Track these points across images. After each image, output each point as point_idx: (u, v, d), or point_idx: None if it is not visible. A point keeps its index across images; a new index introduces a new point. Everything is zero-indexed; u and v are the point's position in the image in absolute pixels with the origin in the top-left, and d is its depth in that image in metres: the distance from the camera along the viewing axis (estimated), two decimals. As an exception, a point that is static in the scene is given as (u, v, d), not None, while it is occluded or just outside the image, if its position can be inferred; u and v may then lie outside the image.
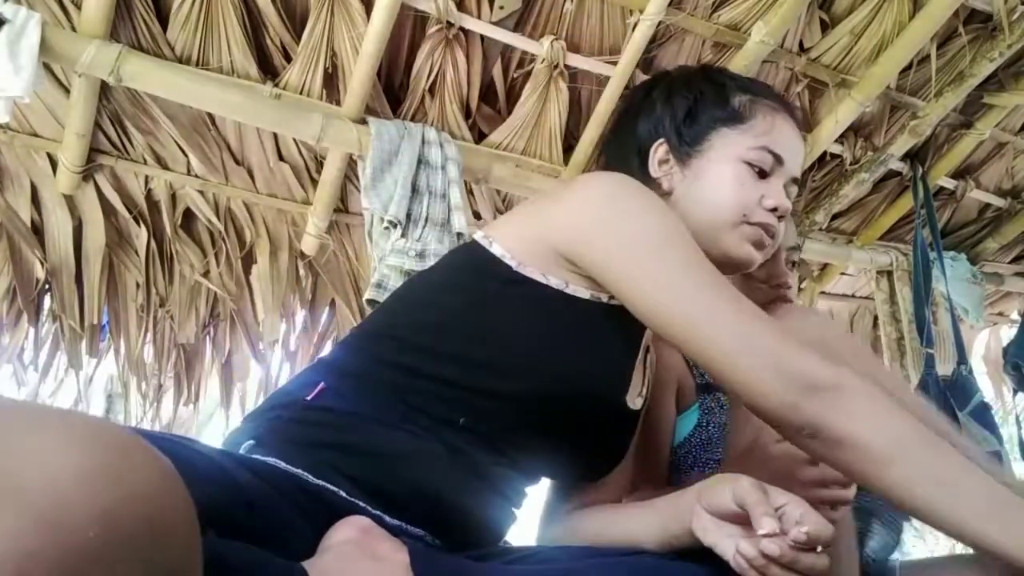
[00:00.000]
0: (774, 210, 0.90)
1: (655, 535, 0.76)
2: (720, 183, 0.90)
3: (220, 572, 0.48)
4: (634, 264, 0.77)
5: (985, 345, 3.28)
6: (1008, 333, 3.10)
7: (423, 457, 0.74)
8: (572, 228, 0.81)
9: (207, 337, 2.13)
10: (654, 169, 0.95)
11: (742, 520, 0.66)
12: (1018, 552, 0.63)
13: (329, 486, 0.70)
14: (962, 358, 2.30)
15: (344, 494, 0.70)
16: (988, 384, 3.18)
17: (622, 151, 1.00)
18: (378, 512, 0.71)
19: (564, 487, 0.97)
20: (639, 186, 0.84)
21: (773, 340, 0.73)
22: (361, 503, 0.71)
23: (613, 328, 0.82)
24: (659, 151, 0.95)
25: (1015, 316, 3.13)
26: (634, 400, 0.89)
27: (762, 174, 0.91)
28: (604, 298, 0.81)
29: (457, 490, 0.75)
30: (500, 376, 0.76)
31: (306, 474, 0.69)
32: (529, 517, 0.98)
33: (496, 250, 0.82)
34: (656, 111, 0.98)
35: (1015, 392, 2.72)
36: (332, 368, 0.83)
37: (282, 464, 0.69)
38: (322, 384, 0.79)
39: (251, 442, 0.74)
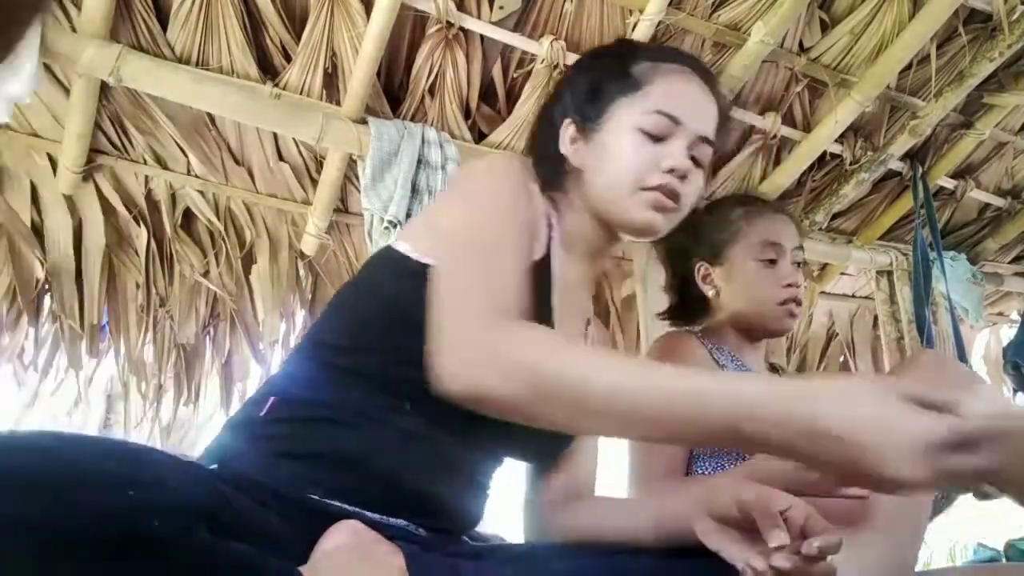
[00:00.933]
0: (672, 171, 0.90)
1: (651, 533, 0.76)
2: (616, 153, 0.91)
3: (218, 570, 0.48)
4: (442, 244, 0.80)
5: (985, 345, 3.28)
6: (1008, 333, 3.10)
7: (382, 448, 0.76)
8: (445, 210, 0.87)
9: (207, 337, 2.13)
10: (565, 148, 0.96)
11: (746, 525, 0.66)
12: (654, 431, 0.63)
13: (306, 494, 0.71)
14: (962, 358, 2.30)
15: (318, 498, 0.71)
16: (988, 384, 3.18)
17: (541, 135, 1.03)
18: (355, 509, 0.72)
19: (536, 474, 0.97)
20: (502, 168, 0.87)
21: (459, 322, 0.70)
22: (337, 503, 0.72)
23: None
24: (569, 130, 0.96)
25: (1015, 316, 3.14)
26: None
27: (659, 138, 0.90)
28: None
29: (423, 475, 0.77)
30: (420, 364, 0.76)
31: (278, 486, 0.70)
32: (512, 508, 0.99)
33: (401, 247, 0.87)
34: (566, 93, 1.00)
35: (1015, 392, 2.72)
36: (280, 381, 0.86)
37: (256, 478, 0.70)
38: (272, 398, 0.81)
39: (214, 466, 0.75)
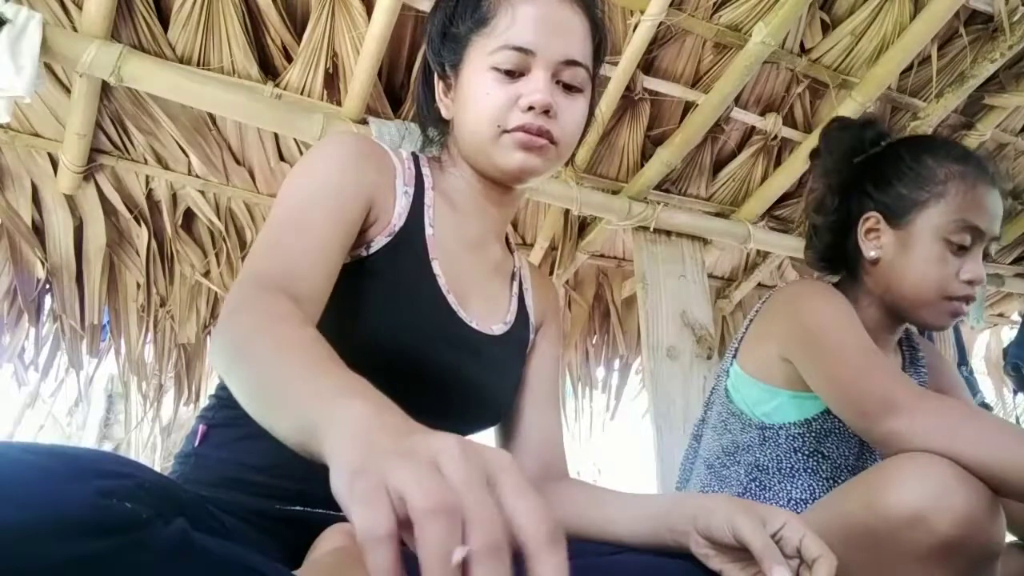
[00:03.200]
0: (531, 108, 0.81)
1: (642, 536, 0.74)
2: (473, 99, 0.84)
3: (208, 567, 0.48)
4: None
5: (986, 346, 3.28)
6: (1008, 334, 3.10)
7: None
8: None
9: (207, 337, 2.13)
10: (439, 102, 0.91)
11: (741, 549, 0.65)
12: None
13: (268, 506, 0.70)
14: (963, 359, 2.30)
15: (279, 506, 0.71)
16: (989, 385, 3.18)
17: (420, 92, 0.96)
18: (320, 511, 0.72)
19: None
20: (327, 147, 0.83)
21: (231, 293, 0.70)
22: (299, 507, 0.72)
23: (386, 275, 0.81)
24: (440, 85, 0.90)
25: (1015, 317, 3.13)
26: (487, 324, 0.88)
27: (513, 73, 0.82)
28: (364, 252, 0.81)
29: None
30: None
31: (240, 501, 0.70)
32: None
33: None
34: (426, 42, 0.92)
35: (1015, 393, 2.72)
36: (209, 410, 0.86)
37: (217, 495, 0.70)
38: (203, 427, 0.82)
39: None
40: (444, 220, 0.89)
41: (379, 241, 0.81)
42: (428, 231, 0.86)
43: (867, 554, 0.76)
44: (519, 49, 0.81)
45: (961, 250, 1.05)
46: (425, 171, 0.91)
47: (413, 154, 0.92)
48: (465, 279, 0.89)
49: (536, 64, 0.82)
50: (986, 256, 1.07)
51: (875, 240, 1.10)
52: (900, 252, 1.07)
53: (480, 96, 0.83)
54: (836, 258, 1.18)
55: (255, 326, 0.60)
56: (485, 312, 0.90)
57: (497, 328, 0.91)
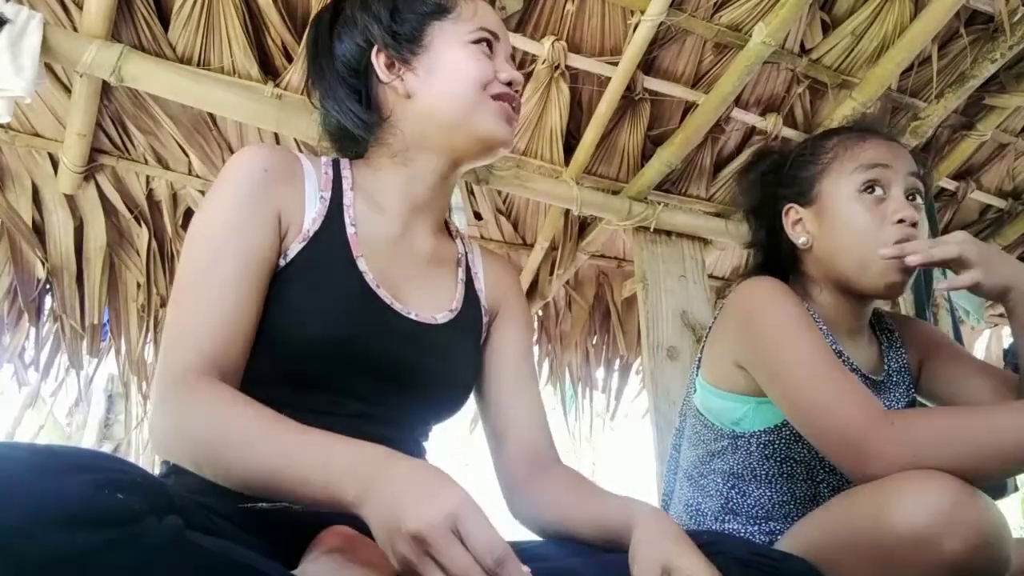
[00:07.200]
0: (509, 84, 0.93)
1: (600, 539, 0.77)
2: (456, 66, 0.90)
3: (210, 568, 0.48)
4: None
5: (986, 347, 3.28)
6: (1008, 335, 3.10)
7: None
8: None
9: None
10: (384, 75, 0.92)
11: None
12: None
13: (260, 506, 0.70)
14: (963, 359, 2.30)
15: (265, 505, 0.70)
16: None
17: (326, 80, 0.95)
18: (301, 507, 0.71)
19: (491, 445, 0.96)
20: (229, 171, 0.83)
21: (158, 383, 0.74)
22: (284, 504, 0.71)
23: (305, 277, 0.83)
24: (380, 57, 0.92)
25: (1016, 317, 3.13)
26: (428, 314, 0.89)
27: (488, 55, 0.93)
28: (282, 262, 0.83)
29: None
30: (276, 367, 0.79)
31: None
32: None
33: None
34: (357, 23, 0.93)
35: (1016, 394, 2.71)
36: None
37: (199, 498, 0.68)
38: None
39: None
40: (367, 218, 0.90)
41: (294, 248, 0.83)
42: (350, 230, 0.88)
43: (874, 568, 0.76)
44: (492, 33, 0.94)
45: (878, 195, 1.04)
46: (345, 173, 0.93)
47: (334, 160, 0.94)
48: (397, 272, 0.90)
49: (500, 48, 0.95)
50: (915, 196, 1.04)
51: (800, 227, 1.12)
52: (823, 225, 1.08)
53: (466, 63, 0.91)
54: (777, 266, 1.18)
55: (223, 427, 0.66)
56: (426, 302, 0.91)
57: (441, 316, 0.91)
